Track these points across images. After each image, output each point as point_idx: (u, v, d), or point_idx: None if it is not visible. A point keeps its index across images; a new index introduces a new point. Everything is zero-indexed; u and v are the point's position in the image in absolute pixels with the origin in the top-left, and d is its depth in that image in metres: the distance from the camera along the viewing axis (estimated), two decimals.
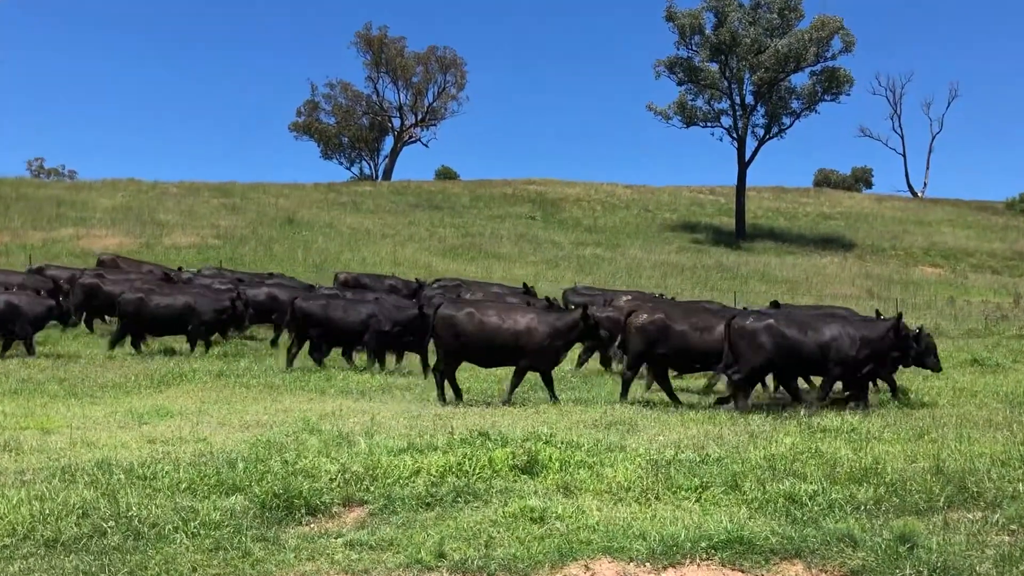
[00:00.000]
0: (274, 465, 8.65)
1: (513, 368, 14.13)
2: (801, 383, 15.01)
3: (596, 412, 12.92)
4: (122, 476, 8.38)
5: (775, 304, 17.28)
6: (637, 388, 15.57)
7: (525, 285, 25.11)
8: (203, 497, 7.87)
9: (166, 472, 8.48)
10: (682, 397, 14.78)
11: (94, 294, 21.49)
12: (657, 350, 14.10)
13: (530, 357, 13.81)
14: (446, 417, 12.25)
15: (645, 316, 14.26)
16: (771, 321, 13.09)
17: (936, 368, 14.25)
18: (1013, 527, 7.27)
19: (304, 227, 49.66)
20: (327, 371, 17.16)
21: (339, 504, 7.89)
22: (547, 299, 17.62)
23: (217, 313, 19.35)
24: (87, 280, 21.86)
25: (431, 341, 14.66)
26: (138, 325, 19.17)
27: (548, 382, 14.07)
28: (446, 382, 14.28)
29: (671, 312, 14.46)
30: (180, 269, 26.48)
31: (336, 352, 19.90)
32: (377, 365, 17.80)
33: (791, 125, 64.35)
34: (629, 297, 21.41)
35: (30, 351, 18.04)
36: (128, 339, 19.29)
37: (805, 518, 7.49)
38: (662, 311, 14.46)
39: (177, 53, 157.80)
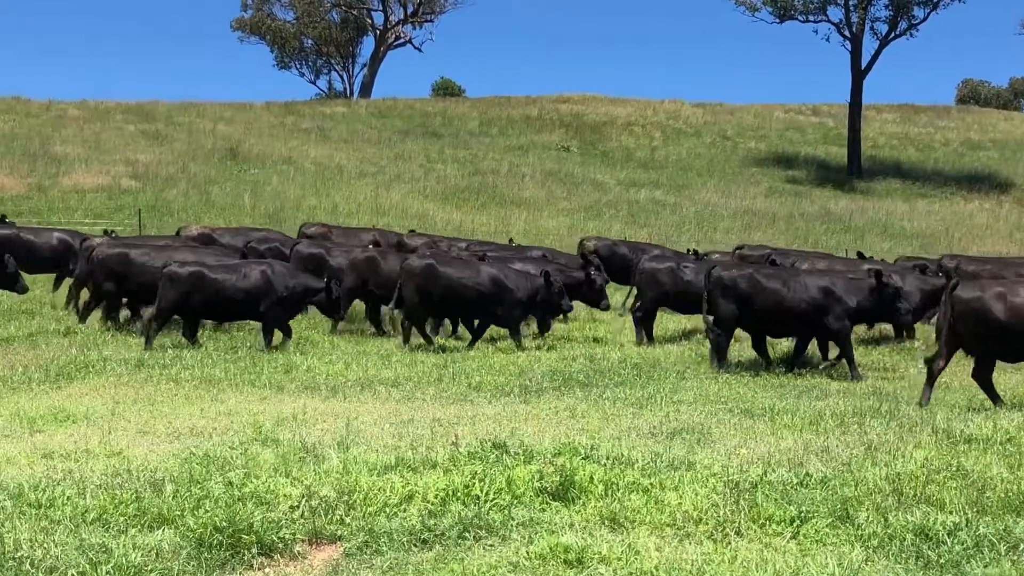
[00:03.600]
0: (215, 488, 8.69)
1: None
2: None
3: (654, 415, 12.89)
4: (8, 503, 8.44)
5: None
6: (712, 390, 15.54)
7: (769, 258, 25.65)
8: (118, 532, 7.91)
9: (68, 498, 8.54)
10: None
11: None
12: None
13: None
14: (448, 423, 12.27)
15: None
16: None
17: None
18: None
19: (252, 163, 49.79)
20: (286, 357, 17.25)
21: (303, 541, 7.92)
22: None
23: (530, 295, 19.69)
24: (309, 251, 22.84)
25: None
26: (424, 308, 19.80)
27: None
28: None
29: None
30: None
31: (305, 332, 19.96)
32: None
33: (925, 18, 63.74)
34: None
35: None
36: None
37: (943, 561, 7.47)
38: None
39: None
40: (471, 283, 19.44)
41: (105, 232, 24.67)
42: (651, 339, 20.76)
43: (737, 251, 27.08)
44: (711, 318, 17.66)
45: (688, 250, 28.01)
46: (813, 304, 17.14)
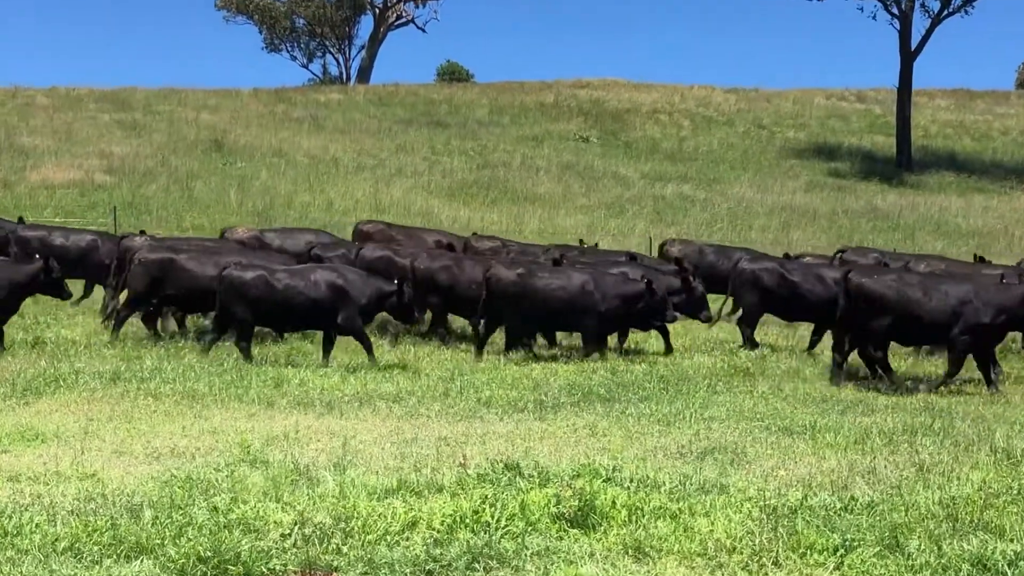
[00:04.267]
0: (198, 514, 8.71)
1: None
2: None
3: (683, 434, 12.86)
4: None
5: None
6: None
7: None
8: (92, 563, 7.92)
9: (37, 525, 8.55)
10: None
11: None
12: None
13: None
14: (455, 442, 12.26)
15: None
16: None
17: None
18: None
19: (239, 155, 49.87)
20: (276, 370, 17.26)
21: (296, 572, 7.92)
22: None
23: (626, 303, 19.78)
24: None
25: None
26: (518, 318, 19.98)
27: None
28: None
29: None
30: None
31: (296, 343, 19.93)
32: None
33: None
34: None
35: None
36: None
37: None
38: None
39: None
40: (563, 292, 19.54)
41: (142, 233, 24.91)
42: (756, 345, 20.81)
43: (840, 255, 27.06)
44: (842, 330, 17.80)
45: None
46: (954, 313, 17.33)
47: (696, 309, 21.37)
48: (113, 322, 20.57)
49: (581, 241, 30.45)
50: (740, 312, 21.82)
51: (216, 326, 18.93)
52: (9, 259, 21.35)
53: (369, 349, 18.80)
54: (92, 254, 24.71)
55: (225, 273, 18.61)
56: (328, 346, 18.80)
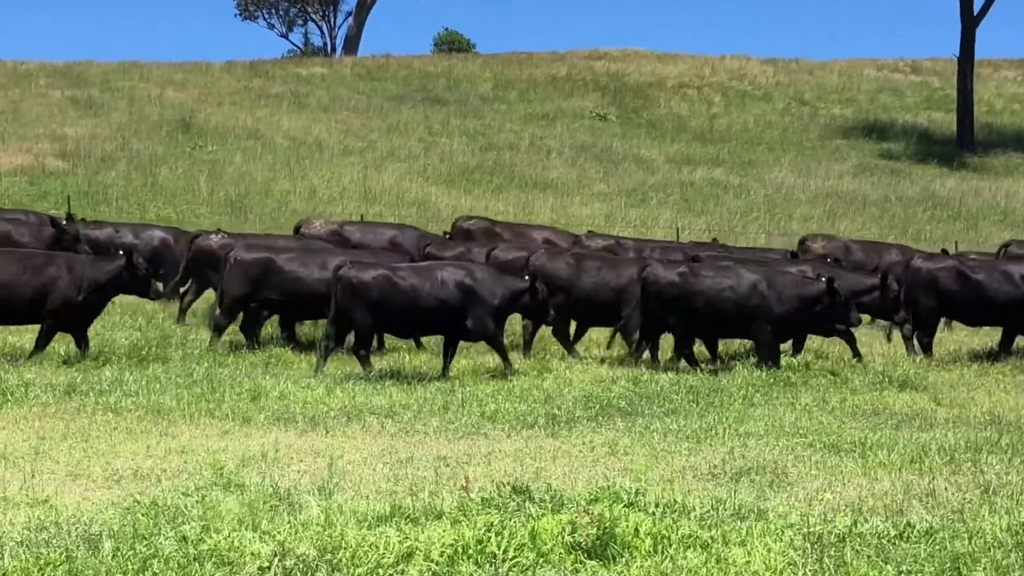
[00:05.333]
0: (164, 545, 8.71)
1: None
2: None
3: (715, 452, 12.85)
4: None
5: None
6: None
7: None
8: None
9: None
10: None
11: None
12: None
13: None
14: (456, 462, 12.26)
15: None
16: None
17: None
18: None
19: (210, 137, 49.91)
20: (253, 381, 17.26)
21: None
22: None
23: (805, 306, 19.90)
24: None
25: None
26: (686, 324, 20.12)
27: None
28: None
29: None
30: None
31: (276, 349, 19.95)
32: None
33: None
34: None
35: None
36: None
37: None
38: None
39: None
40: (732, 294, 19.62)
41: (217, 230, 25.24)
42: (931, 354, 20.92)
43: (1005, 249, 27.08)
44: None
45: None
46: None
47: (892, 310, 21.68)
48: (212, 332, 20.91)
49: (715, 239, 30.29)
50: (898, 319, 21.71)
51: (334, 333, 18.90)
52: (90, 255, 21.52)
53: (504, 355, 19.01)
54: (165, 252, 25.02)
55: (342, 273, 18.64)
56: (450, 354, 19.01)
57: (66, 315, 19.16)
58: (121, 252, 20.68)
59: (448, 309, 18.56)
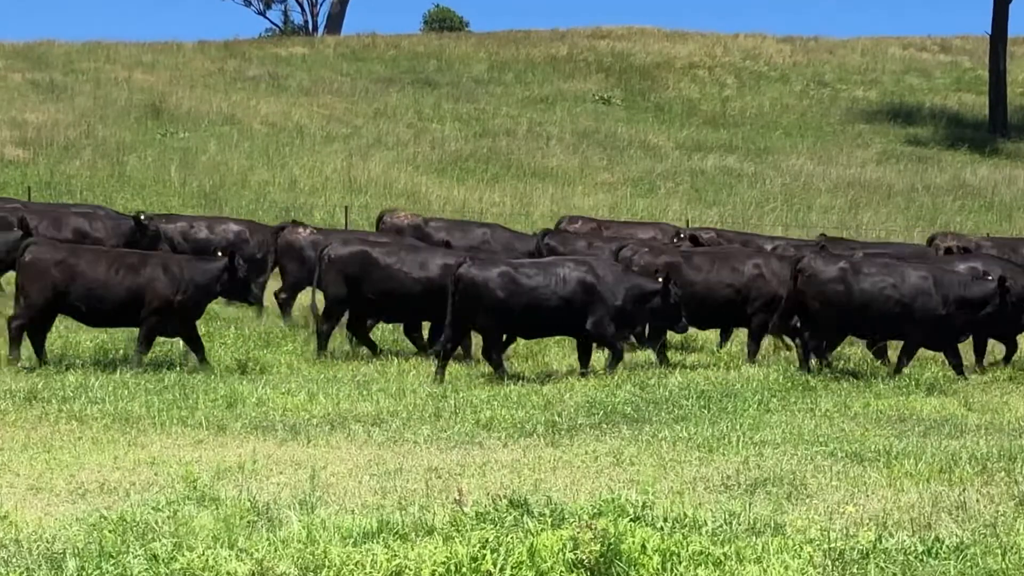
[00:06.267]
0: (134, 564, 8.70)
1: None
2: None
3: (729, 462, 12.86)
4: None
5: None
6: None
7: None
8: None
9: None
10: None
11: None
12: None
13: None
14: (448, 473, 12.26)
15: None
16: None
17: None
18: None
19: (182, 123, 49.85)
20: (229, 387, 17.24)
21: None
22: None
23: (972, 308, 19.76)
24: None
25: None
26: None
27: None
28: None
29: None
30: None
31: (253, 351, 19.96)
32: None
33: None
34: None
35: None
36: None
37: None
38: None
39: None
40: (894, 292, 19.51)
41: (302, 225, 25.43)
42: None
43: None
44: None
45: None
46: None
47: None
48: (316, 340, 20.95)
49: (822, 235, 30.10)
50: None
51: (452, 334, 18.96)
52: (190, 256, 21.66)
53: (619, 358, 19.11)
54: (242, 248, 25.15)
55: (461, 271, 18.79)
56: (586, 355, 19.20)
57: (168, 317, 19.35)
58: (220, 252, 20.91)
59: (570, 309, 18.78)
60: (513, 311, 18.63)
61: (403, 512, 10.10)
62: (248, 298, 20.90)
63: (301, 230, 24.28)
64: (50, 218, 25.68)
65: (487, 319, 18.65)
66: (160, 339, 20.41)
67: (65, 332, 21.16)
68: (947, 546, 9.18)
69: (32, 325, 19.12)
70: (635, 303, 19.23)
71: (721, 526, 9.66)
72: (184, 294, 19.28)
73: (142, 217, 26.03)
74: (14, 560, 9.01)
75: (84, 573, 8.59)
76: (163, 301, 19.13)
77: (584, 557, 8.78)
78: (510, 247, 25.45)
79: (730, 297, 20.87)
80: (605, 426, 15.12)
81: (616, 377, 18.65)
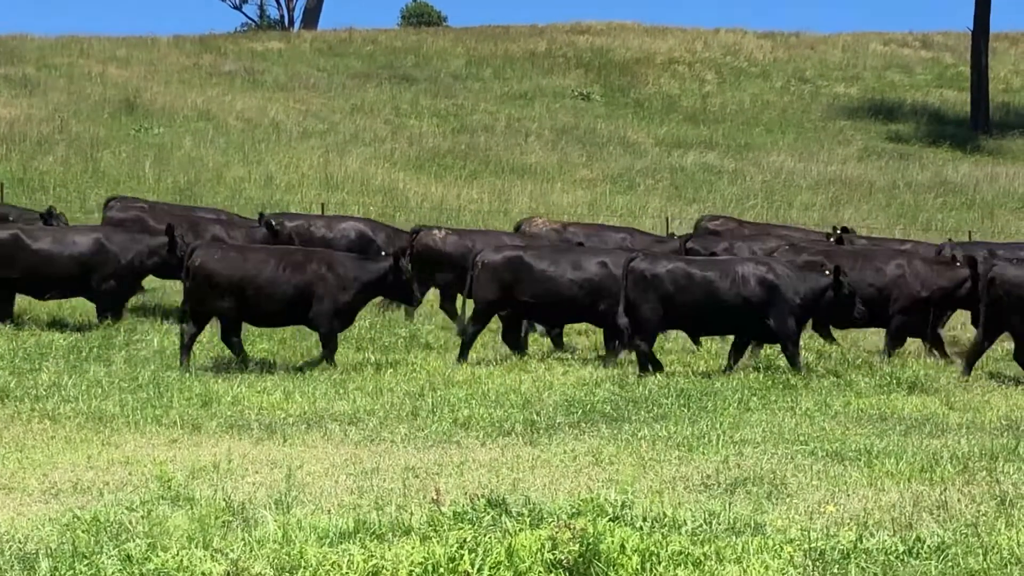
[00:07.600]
0: (107, 564, 8.69)
1: None
2: None
3: (709, 461, 12.87)
4: None
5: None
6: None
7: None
8: None
9: None
10: None
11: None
12: None
13: None
14: (426, 472, 12.24)
15: None
16: None
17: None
18: None
19: (156, 119, 49.78)
20: (204, 385, 17.22)
21: None
22: None
23: None
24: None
25: None
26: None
27: None
28: None
29: None
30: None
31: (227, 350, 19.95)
32: None
33: None
34: None
35: None
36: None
37: None
38: None
39: None
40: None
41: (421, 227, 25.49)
42: None
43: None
44: None
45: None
46: None
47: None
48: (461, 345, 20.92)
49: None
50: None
51: (626, 323, 19.22)
52: (357, 256, 21.66)
53: (795, 357, 19.15)
54: (365, 247, 25.14)
55: (633, 265, 19.16)
56: (737, 357, 19.44)
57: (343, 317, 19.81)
58: (385, 253, 21.26)
59: (748, 307, 18.97)
60: (682, 307, 19.08)
61: (380, 512, 10.10)
62: (412, 301, 21.20)
63: (436, 232, 24.38)
64: (188, 223, 25.48)
65: (652, 312, 19.06)
66: (132, 338, 20.37)
67: (37, 330, 21.13)
68: (928, 546, 9.20)
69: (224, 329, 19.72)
70: (813, 300, 19.39)
71: (701, 526, 9.67)
72: (352, 294, 19.67)
73: (272, 222, 25.90)
74: None
75: (57, 574, 8.57)
76: (335, 301, 19.48)
77: (563, 557, 8.78)
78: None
79: (871, 297, 20.71)
80: (584, 425, 15.13)
81: (596, 375, 18.68)
